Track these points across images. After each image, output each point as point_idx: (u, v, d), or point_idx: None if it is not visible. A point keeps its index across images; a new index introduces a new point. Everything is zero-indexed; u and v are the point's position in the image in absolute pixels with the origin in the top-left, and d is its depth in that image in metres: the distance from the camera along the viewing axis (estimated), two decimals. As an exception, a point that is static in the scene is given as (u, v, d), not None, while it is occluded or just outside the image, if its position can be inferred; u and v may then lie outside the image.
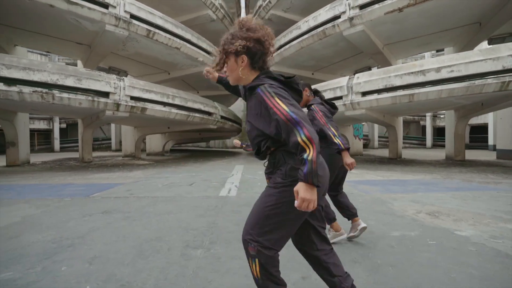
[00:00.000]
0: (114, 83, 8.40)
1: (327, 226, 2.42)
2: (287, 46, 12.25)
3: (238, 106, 23.86)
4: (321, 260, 1.28)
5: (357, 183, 5.58)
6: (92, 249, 2.27)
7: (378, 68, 11.41)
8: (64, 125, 24.15)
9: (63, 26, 9.23)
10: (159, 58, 12.34)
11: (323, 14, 10.35)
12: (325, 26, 10.26)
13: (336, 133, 2.13)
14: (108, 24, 8.99)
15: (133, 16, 9.53)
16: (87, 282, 1.74)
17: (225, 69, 1.30)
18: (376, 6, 8.83)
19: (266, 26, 1.29)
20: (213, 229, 2.78)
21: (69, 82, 7.52)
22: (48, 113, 15.52)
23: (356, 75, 8.84)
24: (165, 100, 9.84)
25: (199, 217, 3.23)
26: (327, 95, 8.79)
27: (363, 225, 2.39)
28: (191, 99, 11.18)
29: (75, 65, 14.93)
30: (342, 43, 10.87)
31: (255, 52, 1.23)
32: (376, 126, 24.41)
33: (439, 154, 14.96)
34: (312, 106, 2.26)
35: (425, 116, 26.99)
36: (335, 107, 2.43)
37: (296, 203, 1.04)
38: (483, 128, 21.27)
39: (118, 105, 8.50)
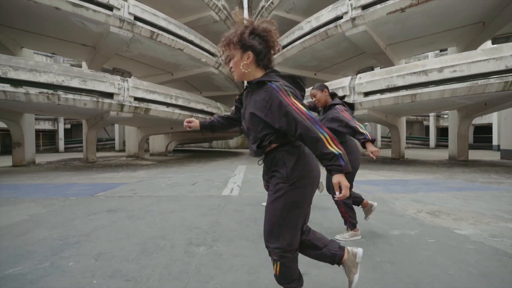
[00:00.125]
0: (118, 84, 8.50)
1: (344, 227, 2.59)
2: (289, 47, 12.29)
3: (241, 107, 23.86)
4: (305, 242, 1.37)
5: (359, 183, 5.59)
6: (98, 246, 2.33)
7: (380, 68, 11.40)
8: (68, 126, 24.40)
9: (68, 28, 9.37)
10: (162, 59, 12.45)
11: (325, 14, 10.38)
12: (328, 26, 10.29)
13: (362, 125, 2.38)
14: (113, 26, 9.12)
15: (137, 18, 9.64)
16: (94, 277, 1.80)
17: (231, 64, 1.34)
18: (379, 6, 8.84)
19: (274, 22, 1.33)
20: (216, 227, 2.83)
21: (74, 83, 7.63)
22: (53, 114, 15.69)
23: (359, 75, 8.84)
24: (168, 100, 9.94)
25: (202, 216, 3.28)
26: (329, 96, 8.79)
27: (374, 205, 2.66)
28: (194, 100, 11.27)
29: (80, 66, 15.13)
30: (344, 43, 10.88)
31: (261, 49, 1.27)
32: (379, 126, 24.22)
33: (442, 155, 14.87)
34: (336, 106, 2.50)
35: (428, 116, 26.80)
36: (353, 108, 2.67)
37: (338, 194, 1.12)
38: (487, 128, 21.06)
39: (122, 106, 8.61)
